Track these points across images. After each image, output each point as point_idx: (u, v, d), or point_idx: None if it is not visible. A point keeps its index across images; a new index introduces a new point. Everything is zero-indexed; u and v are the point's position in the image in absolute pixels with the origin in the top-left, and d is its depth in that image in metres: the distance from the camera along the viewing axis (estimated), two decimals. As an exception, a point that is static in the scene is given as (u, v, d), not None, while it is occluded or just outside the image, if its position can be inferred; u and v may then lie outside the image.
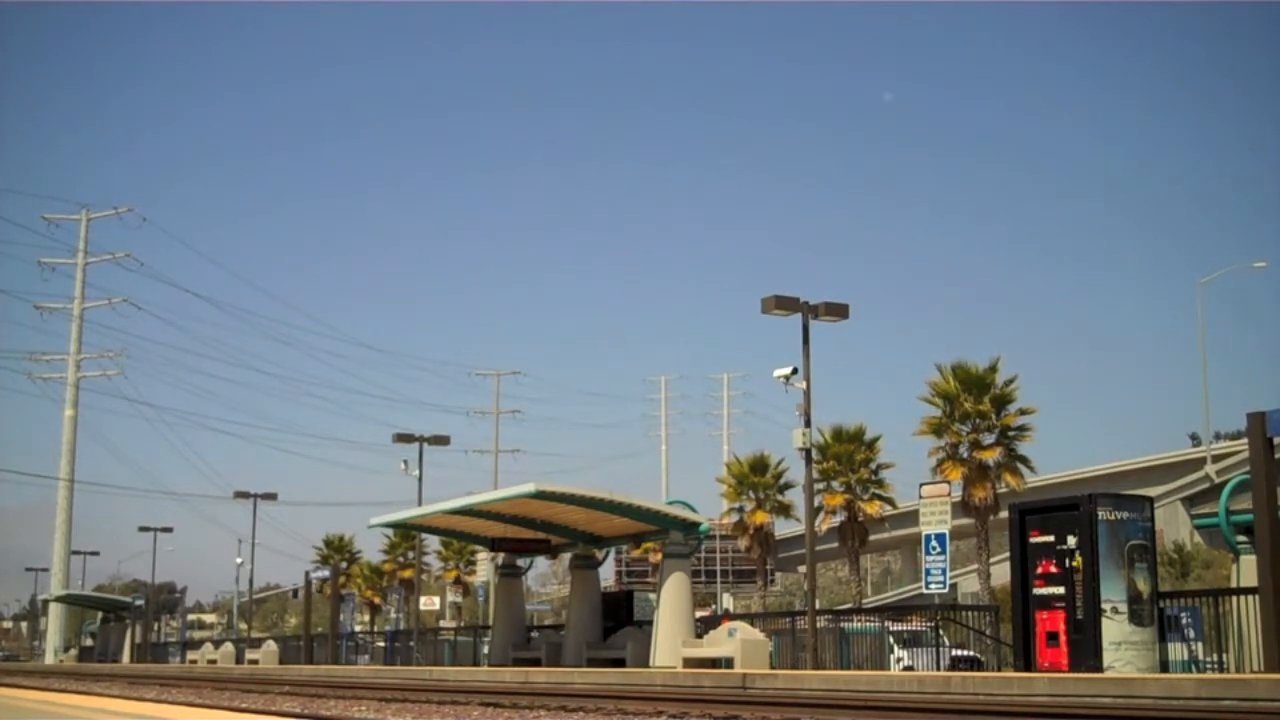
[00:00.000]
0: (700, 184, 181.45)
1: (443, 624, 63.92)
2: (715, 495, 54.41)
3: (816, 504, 40.23)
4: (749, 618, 34.16)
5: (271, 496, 64.67)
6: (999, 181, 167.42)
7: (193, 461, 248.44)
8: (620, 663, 30.00)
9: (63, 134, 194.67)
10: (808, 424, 28.42)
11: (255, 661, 51.47)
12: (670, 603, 29.04)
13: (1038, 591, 20.37)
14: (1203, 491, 41.74)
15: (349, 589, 69.44)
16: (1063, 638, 19.92)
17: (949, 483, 31.60)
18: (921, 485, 27.93)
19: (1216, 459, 62.53)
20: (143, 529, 74.85)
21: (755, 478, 50.82)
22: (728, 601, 70.61)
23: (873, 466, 45.58)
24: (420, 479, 46.94)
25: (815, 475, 35.34)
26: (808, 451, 29.08)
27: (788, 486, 50.82)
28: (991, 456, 39.59)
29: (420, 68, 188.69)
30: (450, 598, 73.53)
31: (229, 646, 58.54)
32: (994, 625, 27.58)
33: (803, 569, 57.94)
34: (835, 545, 52.87)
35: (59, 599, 74.80)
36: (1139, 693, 16.08)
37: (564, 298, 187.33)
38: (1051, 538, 20.26)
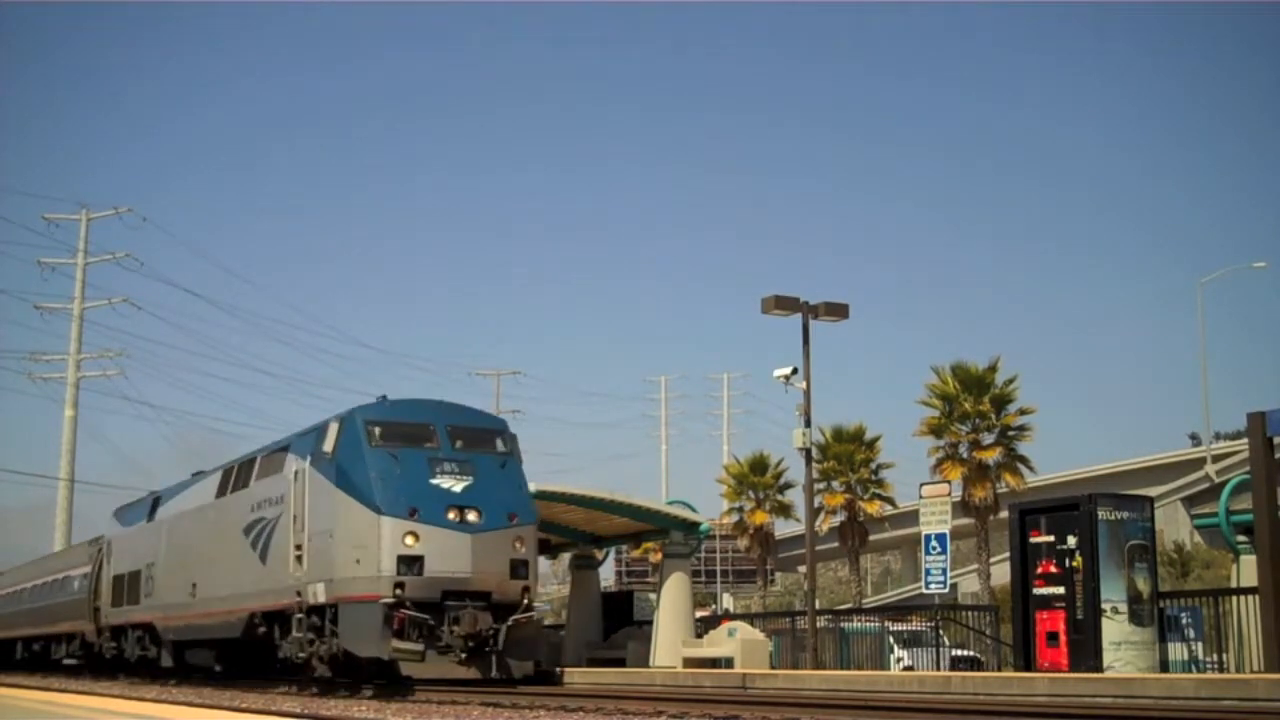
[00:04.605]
0: (699, 184, 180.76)
1: (443, 624, 63.63)
2: (715, 495, 54.43)
3: (816, 504, 40.21)
4: (749, 618, 34.18)
5: (271, 496, 64.52)
6: (998, 181, 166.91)
7: (193, 461, 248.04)
8: (620, 663, 29.98)
9: (63, 134, 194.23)
10: (808, 424, 28.39)
11: (255, 661, 51.36)
12: (670, 603, 29.04)
13: (1038, 591, 20.35)
14: (1203, 491, 41.88)
15: (349, 589, 69.24)
16: (1063, 638, 19.90)
17: (949, 483, 31.55)
18: (921, 485, 27.86)
19: (1216, 459, 62.43)
20: (143, 529, 74.95)
21: (755, 478, 50.79)
22: (728, 601, 70.50)
23: (873, 466, 45.55)
24: (420, 479, 46.86)
25: (815, 475, 35.32)
26: (808, 451, 29.07)
27: (788, 486, 50.84)
28: (991, 456, 39.57)
29: (421, 67, 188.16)
30: (450, 598, 73.33)
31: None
32: (994, 625, 27.57)
33: (803, 569, 57.91)
34: (835, 545, 52.81)
35: (59, 599, 74.78)
36: (1139, 693, 16.08)
37: (564, 298, 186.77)
38: (1051, 538, 20.23)
